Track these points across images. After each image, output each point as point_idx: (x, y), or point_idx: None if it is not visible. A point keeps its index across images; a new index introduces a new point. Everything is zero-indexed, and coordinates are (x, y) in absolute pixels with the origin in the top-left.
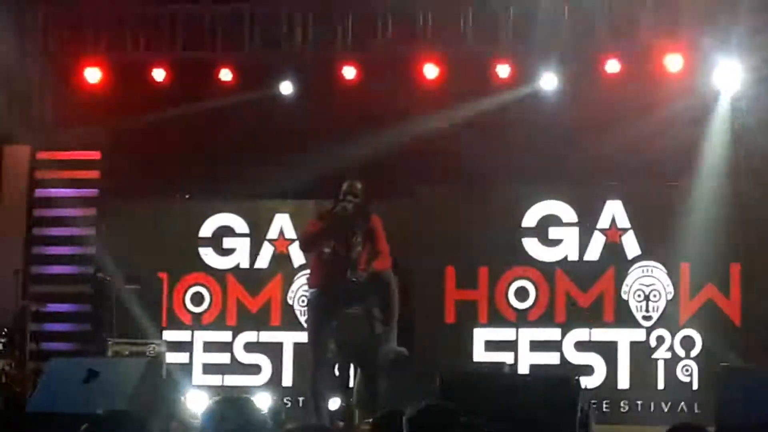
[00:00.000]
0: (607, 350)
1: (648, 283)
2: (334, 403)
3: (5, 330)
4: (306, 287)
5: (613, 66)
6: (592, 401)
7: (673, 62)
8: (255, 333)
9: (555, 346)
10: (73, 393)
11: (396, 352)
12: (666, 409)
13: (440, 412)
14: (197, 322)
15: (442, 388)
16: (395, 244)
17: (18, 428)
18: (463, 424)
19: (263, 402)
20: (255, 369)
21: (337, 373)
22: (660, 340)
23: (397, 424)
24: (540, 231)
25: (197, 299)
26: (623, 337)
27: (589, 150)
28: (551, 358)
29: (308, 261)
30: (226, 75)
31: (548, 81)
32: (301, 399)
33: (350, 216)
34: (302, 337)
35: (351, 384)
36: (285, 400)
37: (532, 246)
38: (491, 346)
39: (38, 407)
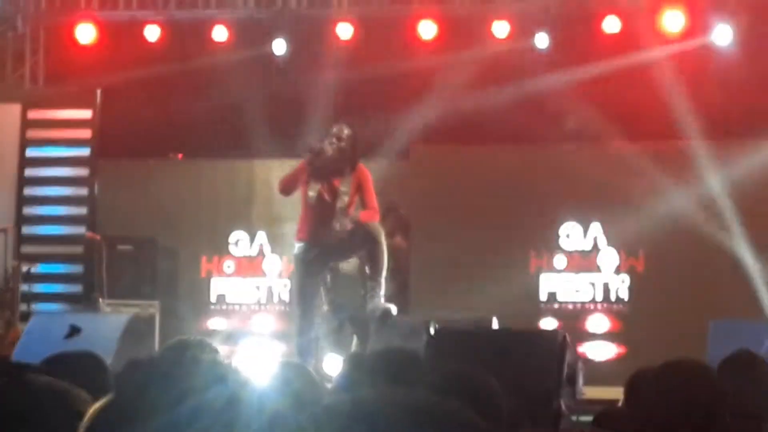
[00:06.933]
0: None
1: None
2: (328, 361)
3: None
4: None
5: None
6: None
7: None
8: None
9: None
10: (54, 348)
11: (383, 310)
12: None
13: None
14: None
15: (429, 343)
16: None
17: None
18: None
19: None
20: None
21: (334, 331)
22: None
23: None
24: None
25: None
26: None
27: (580, 110)
28: None
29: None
30: (219, 33)
31: (542, 39)
32: None
33: (334, 159)
34: None
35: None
36: None
37: None
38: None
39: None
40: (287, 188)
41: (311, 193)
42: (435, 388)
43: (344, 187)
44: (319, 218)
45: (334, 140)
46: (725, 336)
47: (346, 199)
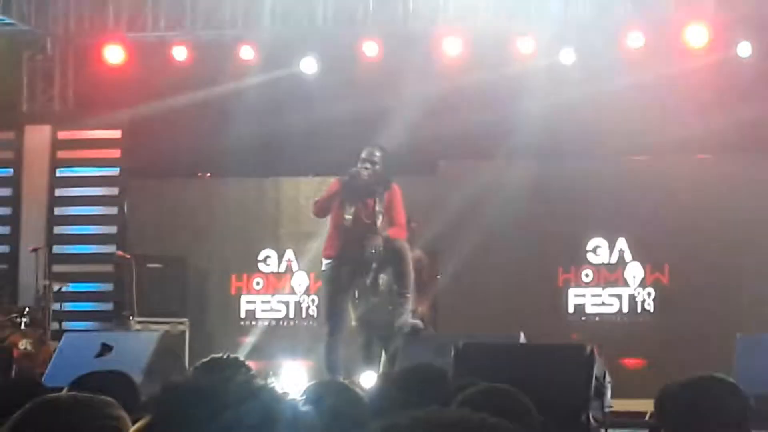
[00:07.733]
0: None
1: None
2: (364, 377)
3: (27, 309)
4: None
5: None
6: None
7: (695, 35)
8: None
9: None
10: (85, 367)
11: (411, 326)
12: None
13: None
14: None
15: (457, 359)
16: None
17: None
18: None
19: None
20: None
21: (362, 347)
22: None
23: None
24: None
25: None
26: None
27: (605, 124)
28: None
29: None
30: (246, 53)
31: (567, 55)
32: None
33: (368, 182)
34: None
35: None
36: None
37: None
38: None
39: (52, 382)
40: (321, 211)
41: (347, 216)
42: (469, 406)
43: (378, 206)
44: (352, 237)
45: (368, 164)
46: (752, 350)
47: (381, 218)
